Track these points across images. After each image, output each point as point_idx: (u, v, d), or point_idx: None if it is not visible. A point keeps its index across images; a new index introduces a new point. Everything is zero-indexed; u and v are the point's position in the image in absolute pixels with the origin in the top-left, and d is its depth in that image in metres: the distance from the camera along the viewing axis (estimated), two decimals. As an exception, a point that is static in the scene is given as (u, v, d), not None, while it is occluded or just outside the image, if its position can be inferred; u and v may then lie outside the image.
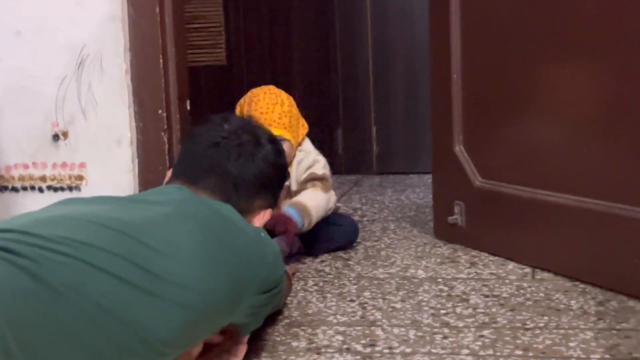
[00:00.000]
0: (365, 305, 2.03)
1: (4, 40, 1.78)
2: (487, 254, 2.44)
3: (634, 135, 1.97)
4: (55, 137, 1.80)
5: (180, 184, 1.49)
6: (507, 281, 2.18)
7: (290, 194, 2.46)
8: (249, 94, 2.42)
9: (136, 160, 1.80)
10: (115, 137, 1.79)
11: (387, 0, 3.98)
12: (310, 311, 2.00)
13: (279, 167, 1.61)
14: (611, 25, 2.00)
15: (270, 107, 2.37)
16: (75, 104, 1.78)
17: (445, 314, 1.94)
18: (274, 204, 1.63)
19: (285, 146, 2.18)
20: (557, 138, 2.20)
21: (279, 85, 4.12)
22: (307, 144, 2.53)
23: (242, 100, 2.40)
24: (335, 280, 2.25)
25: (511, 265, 2.32)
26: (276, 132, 2.22)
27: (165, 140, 1.79)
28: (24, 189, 1.82)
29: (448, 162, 2.58)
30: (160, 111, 1.78)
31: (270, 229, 2.29)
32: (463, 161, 2.53)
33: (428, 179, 3.72)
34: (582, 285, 2.10)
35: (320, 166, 2.51)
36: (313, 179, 2.48)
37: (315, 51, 4.09)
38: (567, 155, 2.17)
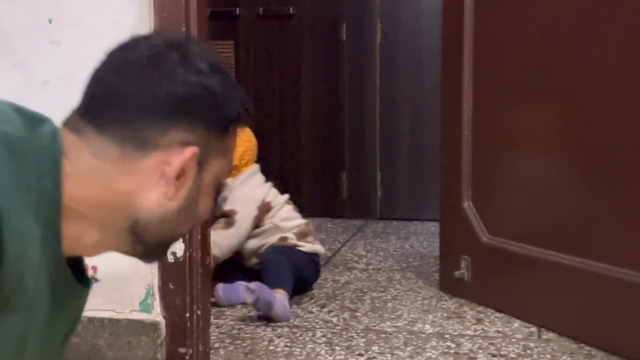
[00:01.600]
0: (374, 360, 2.06)
1: (33, 89, 1.81)
2: (492, 310, 2.46)
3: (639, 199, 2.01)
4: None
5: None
6: (513, 340, 2.20)
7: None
8: None
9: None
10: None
11: (396, 47, 4.03)
12: (319, 364, 2.03)
13: (210, 91, 1.00)
14: (626, 82, 2.05)
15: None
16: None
17: (454, 373, 1.96)
18: (206, 141, 1.00)
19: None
20: (564, 199, 2.24)
21: (286, 127, 4.22)
22: (243, 176, 2.73)
23: None
24: (344, 333, 2.27)
25: (517, 323, 2.35)
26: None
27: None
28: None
29: (456, 217, 2.61)
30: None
31: None
32: (471, 216, 2.56)
33: (431, 226, 3.76)
34: (588, 348, 2.13)
35: (233, 202, 2.67)
36: (222, 214, 2.66)
37: (324, 95, 4.14)
38: (575, 217, 2.21)
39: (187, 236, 1.83)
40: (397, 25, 4.02)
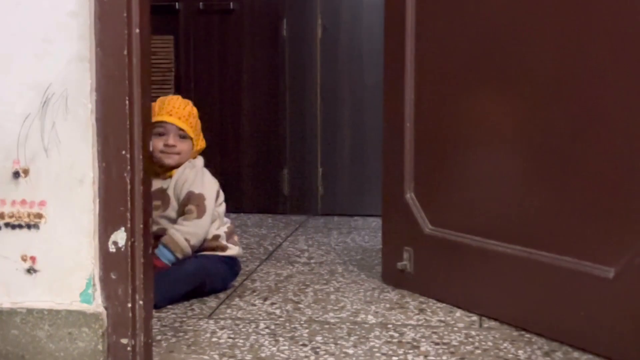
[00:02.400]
0: (318, 350, 2.05)
1: (-32, 76, 1.76)
2: (435, 301, 2.48)
3: (581, 189, 2.04)
4: (16, 175, 1.78)
5: None
6: (455, 329, 2.22)
7: (168, 204, 2.58)
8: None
9: (97, 200, 1.79)
10: (77, 176, 1.78)
11: (337, 42, 4.04)
12: (263, 355, 2.01)
13: None
14: (567, 72, 2.08)
15: (182, 105, 2.60)
16: (38, 142, 1.76)
17: (398, 361, 1.97)
18: None
19: (187, 143, 2.59)
20: (505, 188, 2.26)
21: (227, 123, 4.19)
22: (200, 162, 2.66)
23: (153, 102, 2.55)
24: (287, 324, 2.26)
25: (459, 312, 2.37)
26: (182, 125, 2.56)
27: (128, 180, 1.79)
28: (-19, 225, 1.80)
29: (398, 209, 2.63)
30: (124, 151, 1.77)
31: None
32: (413, 208, 2.57)
33: (373, 221, 3.78)
34: (529, 335, 2.15)
35: (199, 185, 2.59)
36: (190, 198, 2.56)
37: (264, 91, 4.12)
38: (516, 207, 2.23)
39: (129, 225, 1.80)
40: (338, 20, 4.03)
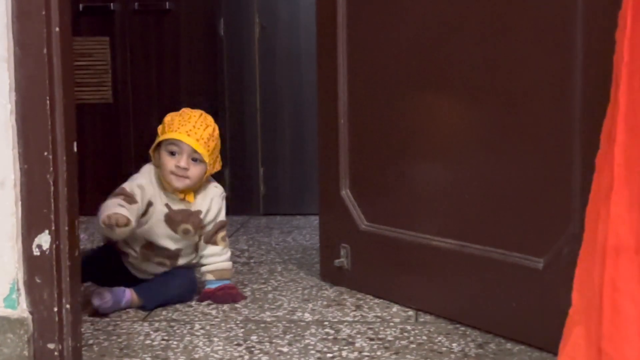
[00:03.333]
0: (252, 349, 2.03)
1: None
2: (372, 297, 2.48)
3: (509, 181, 2.05)
4: None
5: None
6: (391, 324, 2.22)
7: (201, 225, 2.45)
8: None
9: (19, 203, 1.75)
10: (-2, 179, 1.74)
11: (275, 41, 4.02)
12: (197, 356, 1.99)
13: None
14: (491, 70, 2.09)
15: (203, 126, 2.37)
16: (-44, 145, 1.72)
17: (332, 358, 1.96)
18: None
19: (199, 168, 2.37)
20: (438, 183, 2.27)
21: (166, 124, 4.13)
22: (221, 188, 2.55)
23: (172, 113, 2.42)
24: (222, 324, 2.24)
25: (395, 308, 2.37)
26: (199, 149, 2.33)
27: (51, 182, 1.75)
28: None
29: (334, 206, 2.62)
30: (46, 153, 1.74)
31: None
32: (349, 205, 2.57)
33: (314, 220, 3.76)
34: (463, 328, 2.16)
35: (224, 212, 2.51)
36: (222, 227, 2.49)
37: (203, 91, 4.09)
38: (448, 200, 2.24)
39: (53, 228, 1.77)
40: (276, 19, 4.01)
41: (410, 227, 2.36)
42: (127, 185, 2.37)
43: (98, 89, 4.07)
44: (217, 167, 2.46)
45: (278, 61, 4.04)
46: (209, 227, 2.47)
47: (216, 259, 2.49)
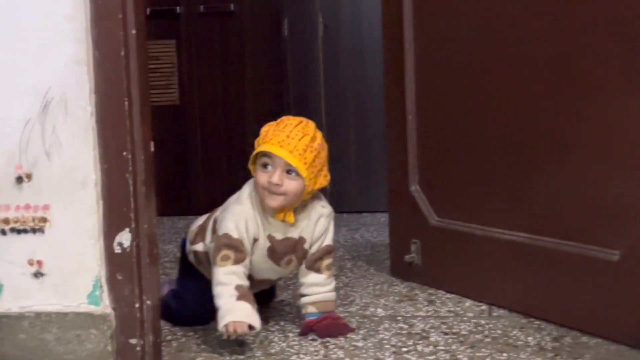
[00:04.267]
0: (327, 344, 2.05)
1: (-33, 83, 1.78)
2: (443, 292, 2.48)
3: (583, 173, 2.03)
4: (19, 180, 1.79)
5: None
6: (465, 318, 2.22)
7: (306, 256, 2.17)
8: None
9: (101, 202, 1.80)
10: (79, 179, 1.79)
11: (338, 39, 4.05)
12: (272, 351, 2.02)
13: None
14: (564, 63, 2.08)
15: (299, 136, 2.03)
16: (39, 147, 1.78)
17: (407, 352, 1.97)
18: None
19: (296, 183, 2.03)
20: (509, 176, 2.26)
21: (231, 126, 4.20)
22: (330, 207, 2.21)
23: (269, 123, 2.12)
24: (296, 320, 2.26)
25: (468, 302, 2.36)
26: (293, 161, 2.01)
27: (130, 181, 1.79)
28: (-14, 231, 1.81)
29: (404, 201, 2.63)
30: (125, 153, 1.78)
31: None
32: (419, 200, 2.57)
33: (381, 217, 3.78)
34: (537, 322, 2.15)
35: (332, 236, 2.20)
36: (328, 252, 2.17)
37: (268, 92, 4.13)
38: (520, 194, 2.23)
39: (133, 226, 1.81)
40: (338, 17, 4.03)
41: (481, 222, 2.36)
42: (233, 228, 2.07)
43: (165, 91, 4.14)
44: (322, 182, 2.09)
45: (342, 59, 4.06)
46: (312, 250, 2.16)
47: (319, 289, 2.16)
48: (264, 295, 2.33)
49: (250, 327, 1.99)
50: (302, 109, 4.08)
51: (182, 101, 4.18)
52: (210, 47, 4.14)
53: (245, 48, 4.13)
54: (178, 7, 4.12)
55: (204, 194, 4.18)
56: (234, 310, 1.99)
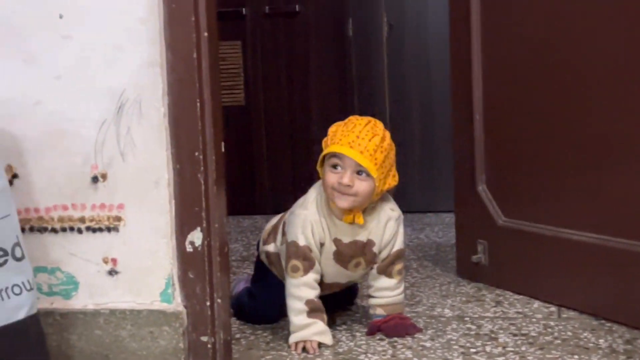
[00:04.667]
0: (395, 344, 2.06)
1: (45, 84, 1.83)
2: (511, 293, 2.46)
3: (659, 175, 2.00)
4: (94, 179, 1.83)
5: None
6: (534, 320, 2.20)
7: (374, 260, 2.16)
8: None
9: (173, 202, 1.83)
10: (153, 179, 1.82)
11: (403, 39, 4.04)
12: (340, 350, 2.03)
13: None
14: (636, 60, 2.05)
15: (369, 136, 2.01)
16: (114, 147, 1.82)
17: (476, 353, 1.96)
18: None
19: (367, 184, 2.01)
20: (579, 176, 2.24)
21: (296, 126, 4.22)
22: (398, 210, 2.20)
23: (337, 123, 2.10)
24: (363, 319, 2.27)
25: (536, 303, 2.34)
26: (364, 162, 1.99)
27: (202, 181, 1.82)
28: (63, 230, 1.86)
29: (471, 201, 2.62)
30: (197, 153, 1.81)
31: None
32: (486, 200, 2.56)
33: (446, 217, 3.77)
34: (609, 324, 2.12)
35: (402, 239, 2.19)
36: (398, 257, 2.16)
37: (332, 92, 4.15)
38: (589, 194, 2.21)
39: (204, 225, 1.84)
40: (403, 17, 4.03)
41: (550, 222, 2.34)
42: (300, 234, 2.08)
43: (231, 92, 4.18)
44: (391, 182, 2.08)
45: (406, 59, 4.05)
46: (383, 255, 2.15)
47: (388, 293, 2.16)
48: (345, 295, 2.36)
49: (320, 345, 2.04)
50: (366, 110, 4.09)
51: (248, 102, 4.22)
52: (275, 48, 4.18)
53: (310, 48, 4.15)
54: (244, 8, 4.16)
55: (268, 194, 4.21)
56: (305, 328, 2.05)
